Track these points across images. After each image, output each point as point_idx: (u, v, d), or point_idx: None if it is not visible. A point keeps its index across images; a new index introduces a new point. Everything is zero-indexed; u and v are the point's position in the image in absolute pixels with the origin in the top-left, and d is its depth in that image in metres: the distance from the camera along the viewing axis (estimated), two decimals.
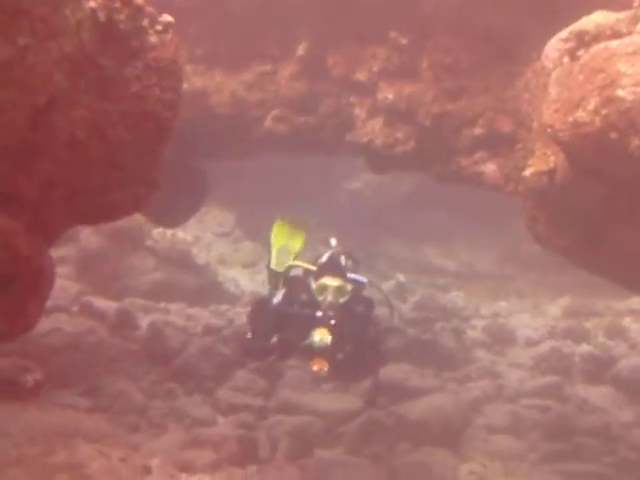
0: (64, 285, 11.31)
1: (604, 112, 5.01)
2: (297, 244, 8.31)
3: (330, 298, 6.78)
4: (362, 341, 6.97)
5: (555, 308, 13.91)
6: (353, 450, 8.44)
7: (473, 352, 11.60)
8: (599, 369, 10.82)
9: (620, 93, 4.92)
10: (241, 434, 8.19)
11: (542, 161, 5.87)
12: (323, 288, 6.82)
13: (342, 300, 6.82)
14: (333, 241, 7.71)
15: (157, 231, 12.77)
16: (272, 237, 8.25)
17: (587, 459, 8.68)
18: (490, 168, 7.15)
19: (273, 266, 7.95)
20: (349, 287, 6.88)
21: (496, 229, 15.61)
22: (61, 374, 8.41)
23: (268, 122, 8.33)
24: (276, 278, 7.89)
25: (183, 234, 13.22)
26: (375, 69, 7.66)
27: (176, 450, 7.75)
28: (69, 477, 6.46)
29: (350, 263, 7.36)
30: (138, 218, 11.80)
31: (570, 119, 5.18)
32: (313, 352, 6.67)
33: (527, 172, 6.06)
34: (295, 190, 15.49)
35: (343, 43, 7.89)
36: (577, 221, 6.03)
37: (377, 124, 7.69)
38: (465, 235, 16.73)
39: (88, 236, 12.25)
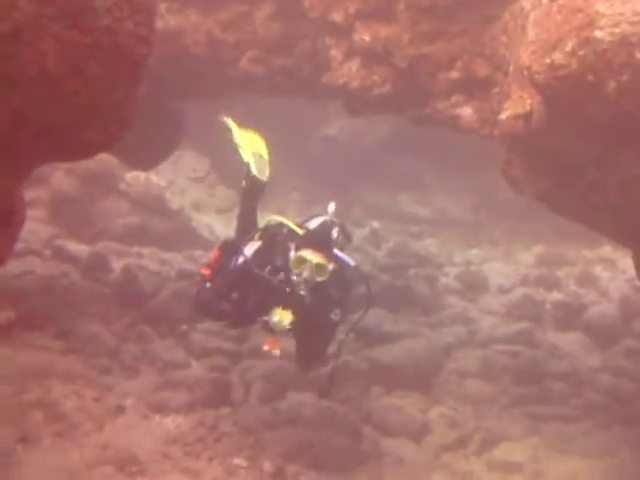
0: (36, 228, 11.22)
1: (581, 53, 4.97)
2: (265, 152, 7.51)
3: (306, 274, 6.09)
4: (324, 326, 6.44)
5: (528, 256, 14.04)
6: (326, 394, 8.51)
7: (446, 299, 11.71)
8: (569, 316, 10.98)
9: (598, 34, 4.89)
10: (214, 377, 8.25)
11: (518, 104, 5.82)
12: (301, 261, 6.12)
13: (319, 279, 6.13)
14: (331, 206, 6.79)
15: (131, 175, 12.65)
16: (237, 140, 7.41)
17: (555, 402, 8.87)
18: (466, 112, 7.06)
19: (256, 173, 7.22)
20: (331, 267, 6.17)
21: (471, 177, 15.65)
22: (33, 317, 8.38)
23: (244, 63, 8.20)
24: (258, 189, 7.26)
25: (157, 178, 13.11)
26: (351, 10, 7.50)
27: (149, 392, 7.79)
28: (43, 414, 6.54)
29: (341, 238, 6.66)
30: (111, 161, 11.70)
31: (547, 61, 5.14)
32: (268, 331, 6.25)
33: (503, 115, 6.00)
34: (268, 136, 15.36)
35: None
36: (552, 166, 6.02)
37: (354, 66, 7.53)
38: (440, 182, 16.75)
39: (60, 179, 12.11)
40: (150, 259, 11.30)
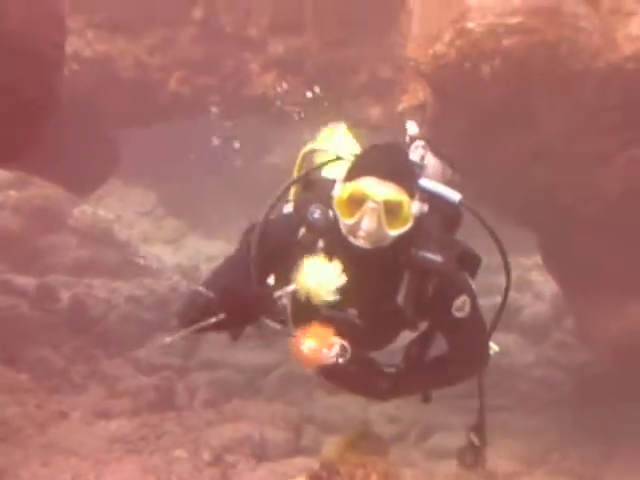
0: None
1: (458, 43, 5.52)
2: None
3: (367, 225, 2.96)
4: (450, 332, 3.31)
5: None
6: (271, 399, 8.71)
7: None
8: (506, 319, 11.40)
9: (470, 25, 5.45)
10: (158, 384, 8.46)
11: (413, 96, 6.34)
12: (357, 199, 3.00)
13: (393, 232, 3.02)
14: (411, 125, 3.81)
15: (78, 210, 12.92)
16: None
17: (490, 395, 9.21)
18: (375, 111, 7.54)
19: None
20: (415, 207, 3.06)
21: None
22: None
23: (172, 84, 8.61)
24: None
25: (104, 212, 13.41)
26: (265, 25, 7.97)
27: (94, 402, 8.00)
28: None
29: (434, 164, 3.67)
30: (58, 196, 11.99)
31: (430, 52, 5.67)
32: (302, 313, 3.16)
33: (399, 107, 6.51)
34: (213, 167, 15.67)
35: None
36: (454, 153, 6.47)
37: (270, 77, 8.03)
38: None
39: (6, 217, 12.32)
40: (99, 289, 11.51)
